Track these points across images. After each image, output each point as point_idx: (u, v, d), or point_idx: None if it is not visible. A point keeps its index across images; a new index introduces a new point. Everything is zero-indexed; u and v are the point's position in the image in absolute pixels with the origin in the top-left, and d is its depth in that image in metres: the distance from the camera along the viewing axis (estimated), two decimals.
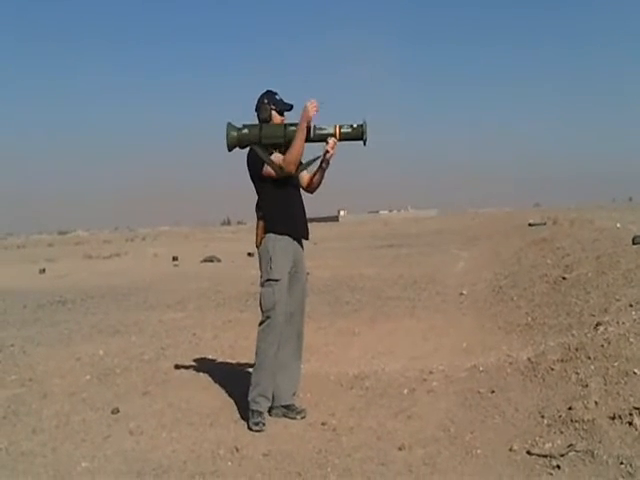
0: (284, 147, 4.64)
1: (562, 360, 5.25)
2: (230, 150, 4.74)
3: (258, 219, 4.74)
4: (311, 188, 4.91)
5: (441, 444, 4.10)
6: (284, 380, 4.81)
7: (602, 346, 5.15)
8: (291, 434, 4.46)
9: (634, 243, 9.88)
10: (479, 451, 3.93)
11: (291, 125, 4.66)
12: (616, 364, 4.70)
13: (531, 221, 25.85)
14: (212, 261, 21.26)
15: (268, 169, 4.61)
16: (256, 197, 4.81)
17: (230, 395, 5.25)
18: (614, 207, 49.10)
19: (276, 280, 4.61)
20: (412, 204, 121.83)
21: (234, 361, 6.41)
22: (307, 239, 4.94)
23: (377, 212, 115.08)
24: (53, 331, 8.73)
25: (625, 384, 4.33)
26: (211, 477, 3.81)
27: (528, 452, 3.80)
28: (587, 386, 4.50)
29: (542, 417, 4.28)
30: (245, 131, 4.68)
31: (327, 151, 4.67)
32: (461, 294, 10.13)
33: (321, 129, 4.64)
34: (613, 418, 3.92)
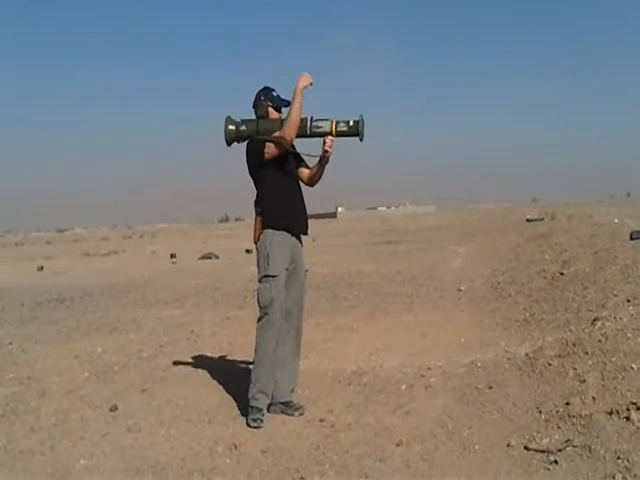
0: None
1: (560, 355, 5.26)
2: (229, 145, 4.74)
3: (256, 214, 4.73)
4: (311, 182, 4.92)
5: (439, 440, 4.10)
6: (283, 377, 4.81)
7: (600, 341, 5.17)
8: (289, 431, 4.47)
9: (632, 238, 9.90)
10: (477, 447, 3.93)
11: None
12: (613, 359, 4.71)
13: (529, 217, 25.89)
14: (210, 258, 21.28)
15: (270, 148, 4.59)
16: (255, 193, 4.80)
17: (228, 392, 5.26)
18: (612, 202, 49.19)
19: (273, 276, 4.60)
20: (410, 200, 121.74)
21: (232, 358, 6.41)
22: (306, 234, 4.93)
23: (375, 208, 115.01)
24: (51, 329, 8.74)
25: (622, 379, 4.34)
26: (209, 474, 3.81)
27: (526, 447, 3.81)
28: (585, 381, 4.51)
29: (540, 412, 4.29)
30: (243, 128, 4.69)
31: (326, 150, 4.68)
32: (459, 290, 10.13)
33: (318, 127, 4.63)
34: (610, 413, 3.92)
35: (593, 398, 4.17)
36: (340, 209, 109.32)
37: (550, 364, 5.15)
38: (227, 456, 4.06)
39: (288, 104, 4.75)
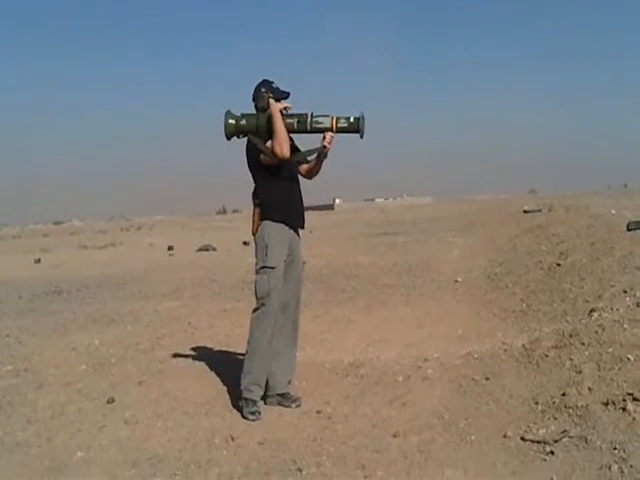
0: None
1: (556, 346, 5.27)
2: (229, 139, 4.73)
3: (255, 206, 4.73)
4: (310, 175, 4.92)
5: (435, 431, 4.11)
6: (279, 368, 4.81)
7: (596, 332, 5.18)
8: (286, 422, 4.47)
9: (628, 229, 9.90)
10: (473, 437, 3.95)
11: (288, 116, 4.65)
12: (610, 350, 4.72)
13: (526, 208, 25.85)
14: (208, 250, 21.26)
15: (265, 159, 4.61)
16: (253, 185, 4.80)
17: (225, 384, 5.26)
18: (609, 194, 49.15)
19: (271, 267, 4.61)
20: (408, 192, 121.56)
21: (230, 350, 6.41)
22: (303, 228, 4.94)
23: (373, 200, 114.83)
24: (48, 321, 8.74)
25: (619, 370, 4.35)
26: (206, 466, 3.82)
27: (522, 438, 3.82)
28: (581, 372, 4.52)
29: (536, 403, 4.30)
30: (243, 122, 4.68)
31: (324, 146, 4.68)
32: (456, 281, 10.13)
33: (318, 122, 4.63)
34: (607, 404, 3.93)
35: (589, 389, 4.18)
36: (337, 201, 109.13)
37: (547, 355, 5.16)
38: (224, 448, 4.07)
39: (288, 95, 4.76)
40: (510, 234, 16.42)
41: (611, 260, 7.85)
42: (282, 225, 4.70)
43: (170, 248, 22.89)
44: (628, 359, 4.45)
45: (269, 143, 4.59)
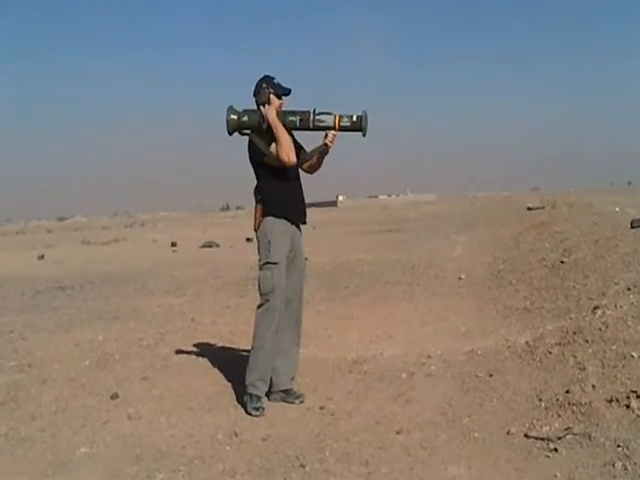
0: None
1: (560, 344, 5.26)
2: (230, 134, 4.74)
3: (256, 202, 4.74)
4: (311, 170, 4.93)
5: (439, 428, 4.12)
6: (283, 365, 4.82)
7: (600, 330, 5.17)
8: (289, 418, 4.48)
9: (632, 227, 9.88)
10: (477, 434, 3.95)
11: (290, 113, 4.66)
12: (614, 347, 4.71)
13: (530, 205, 25.86)
14: (211, 246, 21.25)
15: (269, 160, 4.62)
16: (255, 182, 4.81)
17: (229, 380, 5.26)
18: (613, 191, 49.06)
19: (274, 263, 4.62)
20: (411, 188, 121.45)
21: (233, 347, 6.41)
22: (304, 223, 4.95)
23: (376, 197, 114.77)
24: (52, 317, 8.74)
25: (622, 367, 4.35)
26: (210, 461, 3.83)
27: (526, 435, 3.82)
28: (585, 369, 4.51)
29: (540, 400, 4.30)
30: (245, 118, 4.69)
31: (326, 144, 4.68)
32: (459, 278, 10.11)
33: (321, 121, 4.63)
34: (610, 401, 3.94)
35: (593, 386, 4.18)
36: (341, 198, 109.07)
37: (550, 352, 5.15)
38: (227, 443, 4.08)
39: (289, 92, 4.77)
40: (513, 231, 16.40)
41: (615, 257, 7.83)
42: (284, 221, 4.71)
43: (173, 244, 22.87)
44: (632, 356, 4.45)
45: (273, 147, 4.60)
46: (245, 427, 4.32)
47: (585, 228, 11.86)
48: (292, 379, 4.92)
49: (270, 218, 4.68)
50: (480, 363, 5.35)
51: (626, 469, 3.26)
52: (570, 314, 6.14)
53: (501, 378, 4.89)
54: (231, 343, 6.58)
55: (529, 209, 23.89)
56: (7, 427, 4.52)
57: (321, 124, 4.64)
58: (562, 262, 8.93)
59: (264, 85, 4.75)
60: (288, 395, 4.81)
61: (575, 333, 5.33)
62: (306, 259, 5.06)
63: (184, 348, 6.40)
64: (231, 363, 5.65)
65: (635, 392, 3.91)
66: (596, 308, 5.82)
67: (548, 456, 3.54)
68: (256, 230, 4.75)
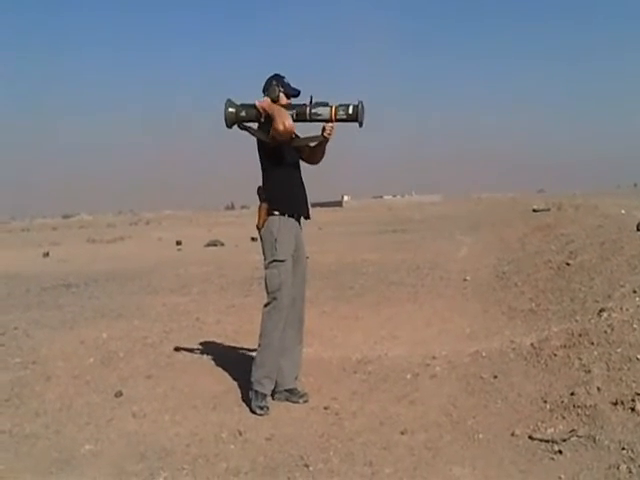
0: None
1: (565, 346, 5.25)
2: (229, 127, 4.74)
3: (261, 201, 4.74)
4: (313, 160, 4.95)
5: (443, 429, 4.11)
6: (287, 364, 4.82)
7: (605, 332, 5.15)
8: (294, 418, 4.48)
9: (638, 229, 9.85)
10: (481, 436, 3.94)
11: (286, 108, 4.66)
12: (619, 350, 4.70)
13: (535, 207, 25.78)
14: (216, 245, 21.28)
15: (271, 140, 4.61)
16: (259, 181, 4.82)
17: (233, 379, 5.27)
18: (619, 193, 48.96)
19: (281, 261, 4.62)
20: (416, 189, 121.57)
21: (237, 345, 6.41)
22: (308, 218, 4.97)
23: (381, 197, 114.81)
24: (57, 314, 8.76)
25: (628, 370, 4.34)
26: (214, 460, 3.83)
27: (530, 437, 3.81)
28: (590, 372, 4.51)
29: (544, 402, 4.29)
30: (243, 114, 4.69)
31: (324, 137, 4.69)
32: (464, 279, 10.11)
33: (317, 114, 4.63)
34: (615, 404, 3.93)
35: (598, 389, 4.17)
36: (346, 198, 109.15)
37: (555, 354, 5.15)
38: (232, 442, 4.08)
39: (298, 94, 4.78)
40: (519, 233, 16.37)
41: (621, 260, 7.82)
42: (289, 219, 4.72)
43: (178, 243, 22.93)
44: (637, 359, 4.44)
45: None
46: (249, 426, 4.31)
47: (591, 230, 11.84)
48: (296, 378, 4.92)
49: (275, 217, 4.68)
50: (485, 365, 5.34)
51: (630, 472, 3.26)
52: (575, 316, 6.13)
53: (506, 380, 4.88)
54: (235, 342, 6.58)
55: (535, 211, 23.80)
56: (11, 424, 4.53)
57: (318, 117, 4.64)
58: (568, 264, 8.91)
59: (275, 82, 4.77)
60: (292, 394, 4.81)
61: (580, 335, 5.32)
62: (307, 258, 5.06)
63: (188, 347, 6.40)
64: (235, 362, 5.65)
65: None
66: (602, 310, 5.81)
67: (552, 458, 3.53)
68: (259, 228, 4.74)
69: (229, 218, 55.69)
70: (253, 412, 4.55)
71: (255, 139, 4.76)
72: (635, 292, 6.09)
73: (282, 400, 4.79)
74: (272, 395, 4.78)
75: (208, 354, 6.08)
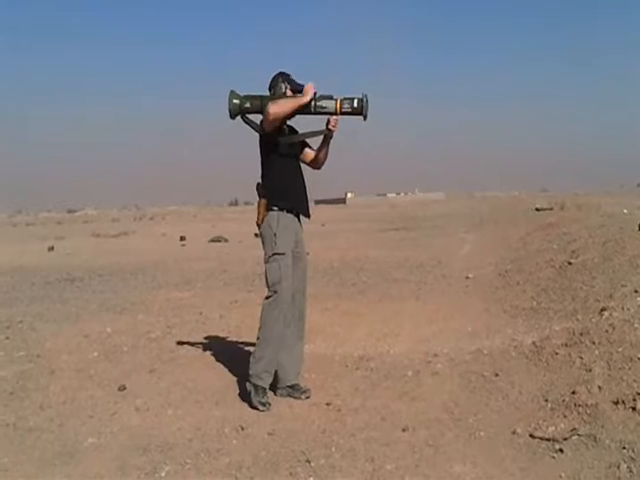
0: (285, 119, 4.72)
1: (566, 345, 5.27)
2: (232, 118, 4.77)
3: (260, 197, 4.76)
4: (317, 164, 4.97)
5: (445, 426, 4.13)
6: (289, 360, 4.84)
7: (607, 331, 5.17)
8: (296, 414, 4.50)
9: None
10: (482, 433, 3.96)
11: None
12: (620, 349, 4.71)
13: (538, 206, 25.77)
14: (219, 241, 21.32)
15: (266, 122, 4.62)
16: (259, 176, 4.84)
17: (236, 374, 5.29)
18: (622, 193, 48.84)
19: (281, 254, 4.64)
20: (419, 187, 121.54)
21: (240, 341, 6.44)
22: (308, 216, 4.98)
23: (385, 195, 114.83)
24: (61, 308, 8.80)
25: (629, 369, 4.35)
26: (216, 454, 3.85)
27: (531, 435, 3.83)
28: (591, 371, 4.52)
29: (546, 401, 4.31)
30: (247, 105, 4.71)
31: (329, 129, 4.72)
32: (467, 277, 10.12)
33: (322, 107, 4.65)
34: (616, 403, 3.94)
35: (599, 388, 4.18)
36: (350, 195, 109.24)
37: (557, 353, 5.16)
38: (234, 437, 4.10)
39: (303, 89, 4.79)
40: (521, 232, 16.35)
41: (622, 260, 7.82)
42: (288, 215, 4.75)
43: (182, 238, 22.97)
44: (638, 359, 4.45)
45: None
46: (251, 421, 4.33)
47: (593, 230, 11.82)
48: (298, 374, 4.93)
49: (275, 212, 4.71)
50: (486, 362, 5.36)
51: (631, 471, 3.27)
52: (577, 315, 6.14)
53: (507, 378, 4.90)
54: (239, 337, 6.60)
55: (537, 210, 23.81)
56: (16, 416, 4.56)
57: (323, 110, 4.66)
58: (569, 263, 8.91)
59: (281, 79, 4.81)
60: (294, 390, 4.83)
61: (582, 334, 5.33)
62: (307, 253, 5.08)
63: (192, 341, 6.43)
64: (239, 357, 5.67)
65: None
66: (603, 310, 5.82)
67: (553, 457, 3.54)
68: (259, 224, 4.76)
69: (233, 214, 55.70)
70: (255, 408, 4.57)
71: (258, 135, 4.79)
72: (637, 292, 6.10)
73: (284, 396, 4.81)
74: (274, 391, 4.80)
75: (211, 349, 6.11)
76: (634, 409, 3.82)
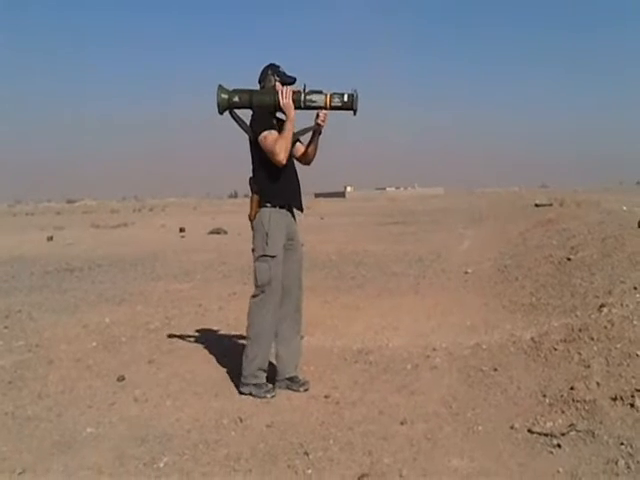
0: (274, 113, 4.72)
1: (565, 340, 5.28)
2: (221, 113, 4.73)
3: (253, 192, 4.74)
4: (306, 159, 4.94)
5: (443, 420, 4.13)
6: (287, 353, 4.84)
7: (605, 328, 5.18)
8: (294, 406, 4.50)
9: None
10: (480, 428, 3.96)
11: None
12: (619, 346, 4.72)
13: (537, 202, 25.79)
14: (219, 233, 21.32)
15: (265, 142, 4.59)
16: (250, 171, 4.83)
17: (235, 366, 5.27)
18: (621, 190, 48.89)
19: (272, 256, 4.63)
20: (419, 182, 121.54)
21: (239, 332, 6.42)
22: (302, 210, 4.97)
23: (384, 189, 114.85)
24: (60, 298, 8.80)
25: (627, 366, 4.36)
26: (214, 445, 3.85)
27: (529, 430, 3.83)
28: (589, 367, 4.53)
29: (544, 396, 4.31)
30: (236, 99, 4.67)
31: (318, 124, 4.71)
32: (466, 272, 10.13)
33: (312, 101, 4.63)
34: (614, 399, 3.95)
35: (597, 384, 4.19)
36: (349, 189, 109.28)
37: (555, 349, 5.17)
38: (232, 429, 4.10)
39: (294, 81, 4.77)
40: (521, 227, 16.39)
41: (622, 256, 7.84)
42: (281, 211, 4.73)
43: (182, 230, 22.96)
44: (637, 355, 4.46)
45: (268, 133, 4.59)
46: (250, 413, 4.34)
47: (592, 226, 11.85)
48: (296, 367, 4.93)
49: (267, 209, 4.68)
50: (485, 357, 5.37)
51: (629, 467, 3.27)
52: (576, 311, 6.15)
53: (506, 373, 4.91)
54: (237, 329, 6.59)
55: (537, 206, 23.83)
56: (14, 406, 4.57)
57: (312, 104, 4.64)
58: (569, 259, 8.93)
59: (270, 72, 4.78)
60: (293, 383, 4.84)
61: (580, 330, 5.34)
62: (302, 245, 5.07)
63: (191, 333, 6.44)
64: (237, 349, 5.66)
65: (639, 391, 3.92)
66: (602, 306, 5.83)
67: (551, 452, 3.55)
68: (251, 220, 4.74)
69: (232, 206, 55.63)
70: (262, 397, 4.59)
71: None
72: (635, 288, 6.11)
73: (283, 388, 4.81)
74: (273, 383, 4.80)
75: (210, 341, 6.12)
76: (632, 405, 3.82)
